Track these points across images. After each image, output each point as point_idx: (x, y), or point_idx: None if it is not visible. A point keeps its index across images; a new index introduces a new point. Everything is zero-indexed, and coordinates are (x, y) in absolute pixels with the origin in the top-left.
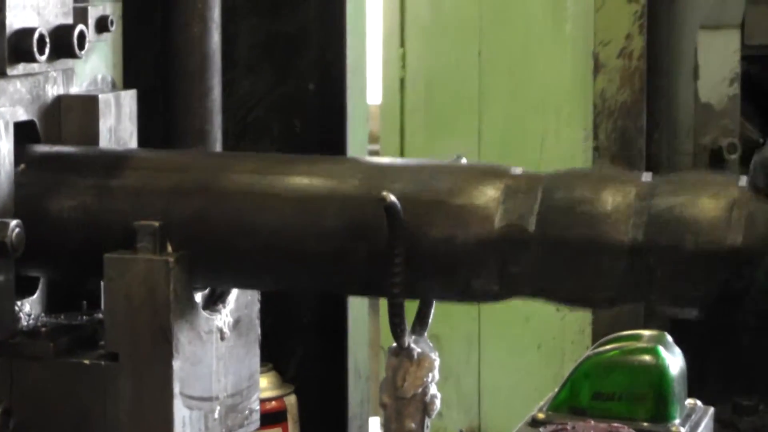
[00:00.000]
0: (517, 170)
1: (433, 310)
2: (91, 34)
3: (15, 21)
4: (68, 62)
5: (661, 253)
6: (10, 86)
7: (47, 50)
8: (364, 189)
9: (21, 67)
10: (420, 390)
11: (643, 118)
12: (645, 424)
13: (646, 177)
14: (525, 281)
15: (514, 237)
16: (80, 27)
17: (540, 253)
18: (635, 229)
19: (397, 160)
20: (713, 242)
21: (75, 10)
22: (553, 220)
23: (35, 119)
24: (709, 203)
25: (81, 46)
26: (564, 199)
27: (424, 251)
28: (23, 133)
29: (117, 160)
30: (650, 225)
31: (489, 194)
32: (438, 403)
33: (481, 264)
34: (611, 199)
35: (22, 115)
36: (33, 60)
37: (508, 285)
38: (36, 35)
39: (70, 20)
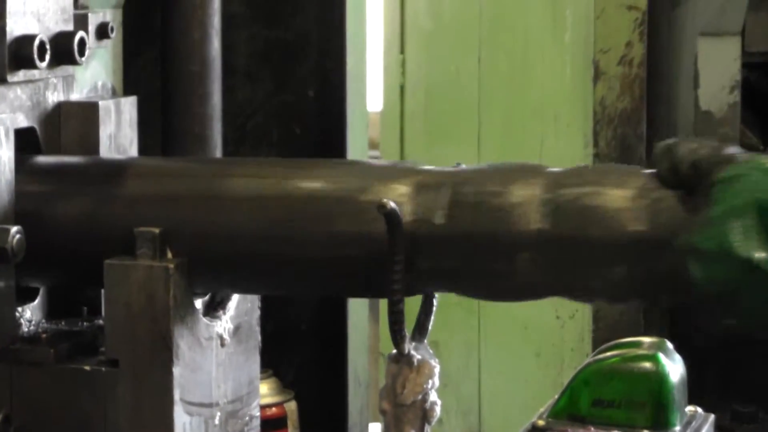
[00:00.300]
0: (428, 167)
1: (433, 317)
2: (91, 40)
3: (15, 28)
4: (68, 69)
5: (566, 242)
6: (10, 93)
7: (48, 57)
8: (277, 187)
9: (21, 74)
10: (420, 397)
11: (643, 126)
12: (645, 431)
13: (556, 169)
14: (435, 275)
15: (423, 231)
16: (80, 34)
17: (449, 246)
18: (542, 220)
19: (322, 160)
20: (617, 231)
21: (75, 16)
22: (461, 214)
23: (36, 126)
24: (614, 192)
25: (81, 53)
26: (473, 193)
27: (335, 247)
28: (24, 139)
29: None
30: (556, 215)
31: (398, 190)
32: (438, 409)
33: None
34: (519, 192)
35: (23, 122)
36: (33, 66)
37: (419, 279)
38: (36, 42)
39: (70, 27)
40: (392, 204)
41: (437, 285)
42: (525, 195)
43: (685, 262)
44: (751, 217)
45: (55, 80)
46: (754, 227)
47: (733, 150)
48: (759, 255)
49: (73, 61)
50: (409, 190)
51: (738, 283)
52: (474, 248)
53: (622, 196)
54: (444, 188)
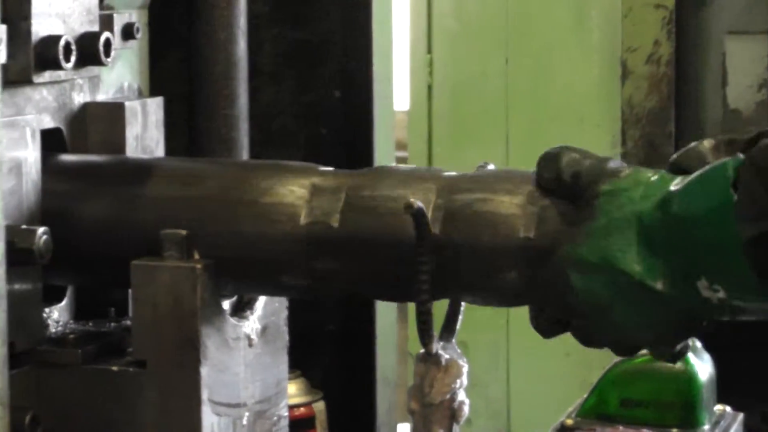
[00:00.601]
0: (327, 169)
1: (461, 317)
2: (116, 41)
3: (40, 29)
4: (94, 70)
5: (457, 248)
6: (36, 94)
7: (73, 58)
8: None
9: (47, 75)
10: (448, 396)
11: (671, 125)
12: (674, 430)
13: (450, 173)
14: (333, 277)
15: (319, 234)
16: (106, 34)
17: (345, 249)
18: (433, 225)
19: (230, 161)
20: (506, 237)
21: (100, 17)
22: (355, 218)
23: (62, 127)
24: (504, 199)
25: (107, 54)
26: (367, 197)
27: (236, 248)
28: (50, 140)
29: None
30: (447, 221)
31: (297, 193)
32: (466, 409)
33: (289, 260)
34: (412, 197)
35: (49, 123)
36: (59, 67)
37: (317, 281)
38: (62, 43)
39: (95, 28)
40: (419, 204)
41: (335, 286)
42: (418, 200)
43: (566, 273)
44: (632, 231)
45: (80, 81)
46: (634, 241)
47: (616, 163)
48: (637, 269)
49: (98, 62)
50: (306, 192)
51: (615, 296)
52: (368, 252)
53: (511, 203)
54: (340, 192)
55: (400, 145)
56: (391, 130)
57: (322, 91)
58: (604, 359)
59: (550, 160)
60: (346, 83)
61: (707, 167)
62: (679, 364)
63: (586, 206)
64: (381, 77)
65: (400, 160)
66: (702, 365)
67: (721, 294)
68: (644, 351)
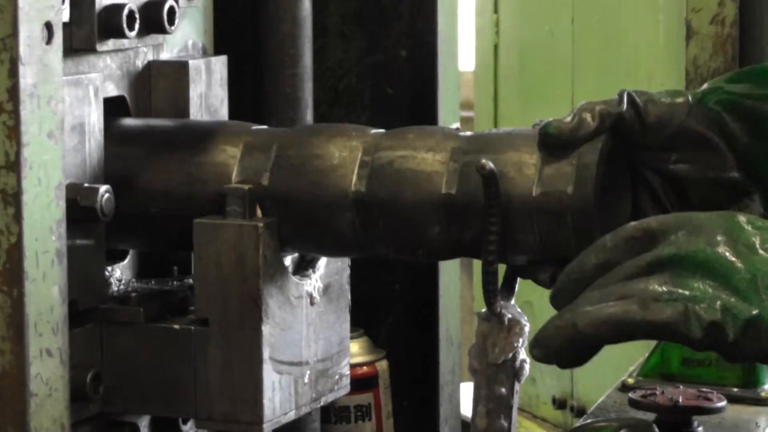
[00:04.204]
0: (260, 127)
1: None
2: (181, 0)
3: None
4: (158, 38)
5: (382, 205)
6: (100, 62)
7: (137, 26)
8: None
9: (111, 43)
10: (510, 356)
11: None
12: (735, 389)
13: (376, 131)
14: None
15: (252, 193)
16: (170, 2)
17: (275, 208)
18: (359, 183)
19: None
20: (429, 193)
21: None
22: (284, 176)
23: (125, 95)
24: (427, 156)
25: (171, 22)
26: (295, 155)
27: (169, 207)
28: (113, 108)
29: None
30: (372, 178)
31: (228, 152)
32: (527, 368)
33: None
34: (338, 154)
35: (113, 91)
36: (123, 36)
37: None
38: (125, 11)
39: None
40: (491, 165)
41: None
42: (343, 157)
43: None
44: None
45: (144, 49)
46: None
47: None
48: None
49: (162, 30)
50: (238, 151)
51: None
52: (296, 211)
53: (433, 160)
54: (269, 150)
55: (467, 105)
56: (456, 90)
57: (388, 51)
58: None
59: None
60: (412, 43)
61: None
62: None
63: None
64: (446, 37)
65: (466, 119)
66: None
67: None
68: None
